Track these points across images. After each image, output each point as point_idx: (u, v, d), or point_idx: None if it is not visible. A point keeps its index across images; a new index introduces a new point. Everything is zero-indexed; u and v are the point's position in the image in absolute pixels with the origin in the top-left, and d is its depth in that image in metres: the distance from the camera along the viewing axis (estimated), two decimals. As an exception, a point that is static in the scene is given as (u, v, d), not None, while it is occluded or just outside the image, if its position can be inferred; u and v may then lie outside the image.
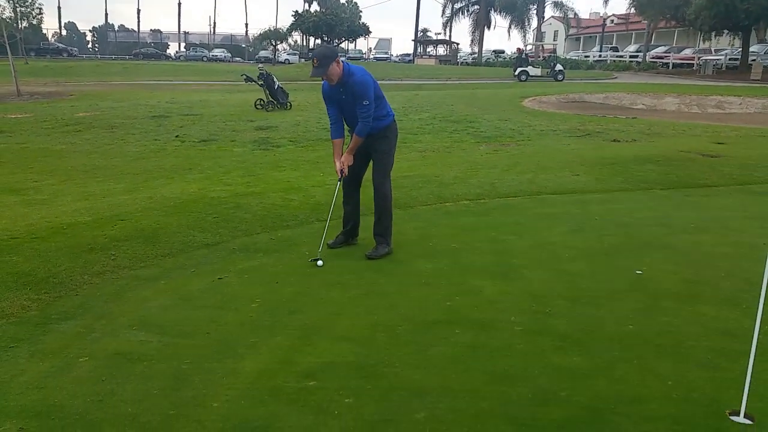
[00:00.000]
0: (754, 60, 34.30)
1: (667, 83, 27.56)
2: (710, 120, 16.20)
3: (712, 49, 41.41)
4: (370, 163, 4.84)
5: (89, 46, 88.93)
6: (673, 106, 20.38)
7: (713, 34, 36.86)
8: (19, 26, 38.75)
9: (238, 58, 66.28)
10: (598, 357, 3.03)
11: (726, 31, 36.35)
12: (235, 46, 73.17)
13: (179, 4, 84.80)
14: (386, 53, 69.89)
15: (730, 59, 37.77)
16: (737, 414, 2.50)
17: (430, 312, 3.62)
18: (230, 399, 2.66)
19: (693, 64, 39.17)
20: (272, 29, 58.94)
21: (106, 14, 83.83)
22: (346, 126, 4.76)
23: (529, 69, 32.87)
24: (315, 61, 4.40)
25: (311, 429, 2.45)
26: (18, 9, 37.12)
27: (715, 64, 36.94)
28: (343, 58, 4.62)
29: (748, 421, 2.47)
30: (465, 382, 2.81)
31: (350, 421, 2.50)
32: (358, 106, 4.48)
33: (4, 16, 29.95)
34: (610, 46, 53.91)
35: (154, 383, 2.79)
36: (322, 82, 4.60)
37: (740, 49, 36.68)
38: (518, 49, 36.84)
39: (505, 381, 2.80)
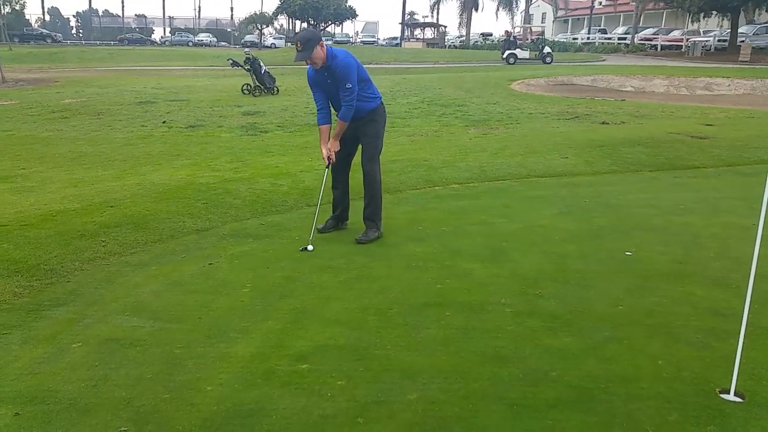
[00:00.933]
0: (742, 41, 34.36)
1: (656, 65, 27.62)
2: (699, 102, 16.29)
3: (701, 31, 41.48)
4: (360, 147, 4.83)
5: (73, 31, 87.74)
6: (662, 88, 20.45)
7: (702, 15, 36.88)
8: (2, 12, 38.14)
9: (223, 43, 65.64)
10: (588, 337, 3.07)
11: (714, 13, 36.41)
12: (220, 31, 72.41)
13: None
14: (373, 37, 69.43)
15: (718, 41, 37.84)
16: (727, 392, 2.54)
17: (420, 295, 3.64)
18: (223, 382, 2.67)
19: (681, 45, 39.22)
20: (258, 13, 58.32)
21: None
22: (333, 112, 4.73)
23: (518, 52, 32.80)
24: (299, 45, 4.35)
25: (304, 411, 2.46)
26: (0, -5, 36.60)
27: (703, 45, 37.01)
28: (329, 42, 4.58)
29: (738, 399, 2.50)
30: (456, 363, 2.83)
31: (343, 402, 2.52)
32: (341, 90, 4.45)
33: (-14, 2, 29.45)
34: (598, 28, 53.87)
35: (147, 368, 2.79)
36: (308, 68, 4.57)
37: (729, 31, 36.76)
38: (506, 31, 36.80)
39: (496, 362, 2.83)
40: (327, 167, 4.78)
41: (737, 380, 2.53)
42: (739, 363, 2.53)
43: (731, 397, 2.51)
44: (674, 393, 2.56)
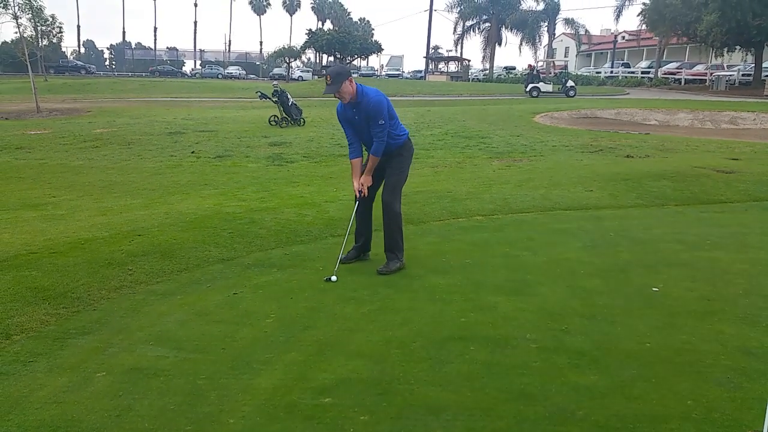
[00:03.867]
0: (767, 76, 34.11)
1: (680, 99, 27.48)
2: (724, 136, 16.11)
3: (725, 65, 41.28)
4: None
5: (107, 63, 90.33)
6: (686, 121, 20.30)
7: (725, 50, 36.76)
8: (40, 44, 39.56)
9: (252, 75, 67.05)
10: (615, 375, 3.00)
11: (738, 47, 36.26)
12: (249, 64, 74.06)
13: (195, 22, 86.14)
14: (398, 70, 70.38)
15: (743, 75, 37.62)
16: (759, 434, 2.46)
17: (444, 328, 3.61)
18: (245, 415, 2.67)
19: (705, 79, 39.05)
20: (286, 47, 59.61)
21: (124, 32, 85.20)
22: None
23: (541, 85, 32.87)
24: (328, 79, 4.45)
25: (327, 446, 2.44)
26: (39, 28, 37.99)
27: (727, 79, 36.77)
28: (354, 75, 4.66)
29: (770, 442, 2.42)
30: (481, 400, 2.79)
31: (366, 438, 2.49)
32: (373, 126, 4.52)
33: (25, 35, 30.50)
34: (621, 62, 53.88)
35: (170, 399, 2.80)
36: (338, 104, 4.66)
37: (753, 65, 36.53)
38: (529, 65, 36.93)
39: (521, 399, 2.78)
40: (357, 200, 4.81)
41: (771, 423, 2.45)
42: (773, 405, 2.45)
43: (765, 440, 2.43)
44: (705, 435, 2.49)
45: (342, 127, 4.78)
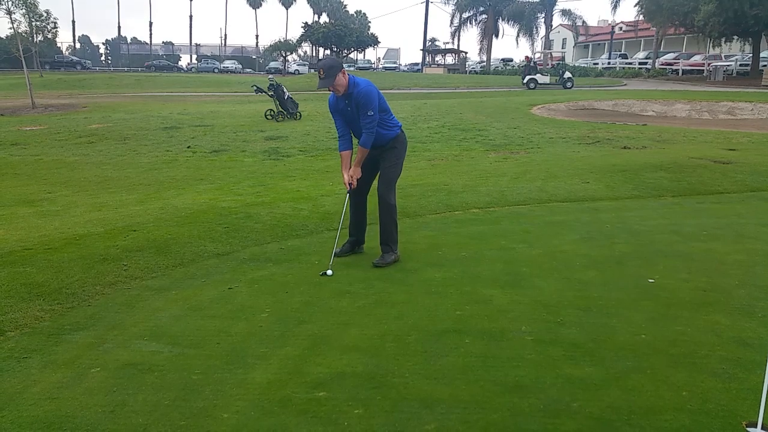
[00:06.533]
0: (765, 66, 34.09)
1: (677, 90, 27.45)
2: (721, 126, 16.10)
3: (722, 55, 41.23)
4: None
5: (102, 58, 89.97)
6: (684, 112, 20.27)
7: (723, 40, 36.70)
8: (35, 40, 39.34)
9: (248, 70, 66.79)
10: (610, 367, 3.00)
11: (736, 37, 36.22)
12: (245, 58, 73.77)
13: (191, 17, 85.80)
14: (395, 63, 70.27)
15: (740, 65, 37.60)
16: (754, 425, 2.46)
17: (439, 321, 3.60)
18: (240, 410, 2.66)
19: (703, 70, 39.01)
20: (282, 41, 59.30)
21: (119, 27, 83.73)
22: (354, 138, 4.79)
23: (538, 77, 32.85)
24: (321, 73, 4.42)
25: (321, 440, 2.44)
26: (33, 23, 37.73)
27: (725, 70, 36.74)
28: (351, 69, 4.65)
29: (765, 432, 2.42)
30: (475, 392, 2.79)
31: (360, 432, 2.49)
32: (362, 117, 4.51)
33: (20, 31, 30.29)
34: (619, 53, 53.77)
35: (164, 394, 2.79)
36: (329, 95, 4.64)
37: (751, 55, 36.50)
38: (526, 57, 36.82)
39: (516, 392, 2.78)
40: (348, 193, 4.81)
41: (765, 413, 2.45)
42: (767, 395, 2.46)
43: (758, 430, 2.43)
44: (699, 426, 2.49)
45: (333, 118, 4.77)
